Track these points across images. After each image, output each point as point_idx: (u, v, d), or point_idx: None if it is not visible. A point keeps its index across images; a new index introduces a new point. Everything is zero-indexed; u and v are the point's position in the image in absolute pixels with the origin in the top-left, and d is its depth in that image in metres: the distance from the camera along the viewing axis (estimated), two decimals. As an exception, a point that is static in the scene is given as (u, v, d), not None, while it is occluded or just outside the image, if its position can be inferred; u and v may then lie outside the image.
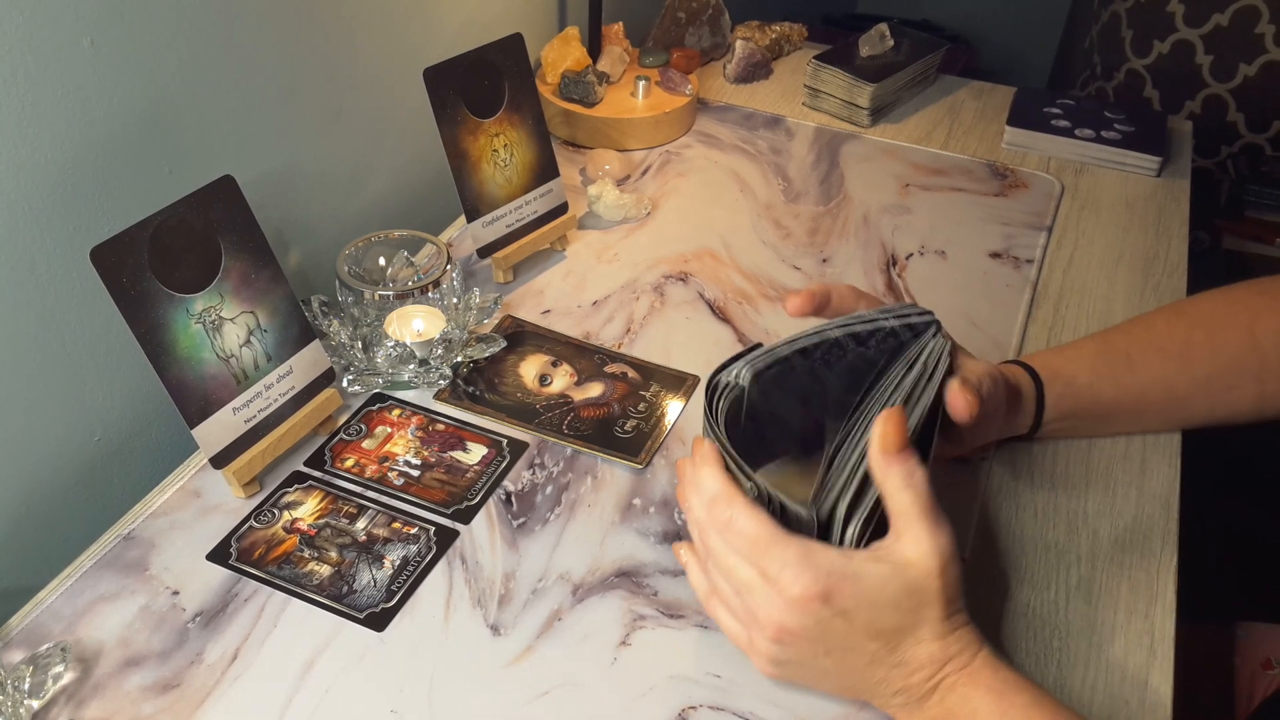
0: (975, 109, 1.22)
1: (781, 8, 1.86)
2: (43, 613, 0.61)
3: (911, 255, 0.96)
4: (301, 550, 0.65)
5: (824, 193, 1.05)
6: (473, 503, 0.69)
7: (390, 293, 0.75)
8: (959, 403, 0.59)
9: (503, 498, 0.70)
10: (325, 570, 0.64)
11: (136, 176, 0.68)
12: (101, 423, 0.71)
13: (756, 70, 1.26)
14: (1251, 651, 0.89)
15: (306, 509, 0.68)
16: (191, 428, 0.64)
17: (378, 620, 0.61)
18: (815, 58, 1.19)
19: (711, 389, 0.57)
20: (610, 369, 0.80)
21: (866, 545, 0.54)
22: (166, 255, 0.62)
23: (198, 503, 0.68)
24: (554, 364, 0.81)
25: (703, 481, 0.55)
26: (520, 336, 0.84)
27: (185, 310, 0.63)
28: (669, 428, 0.75)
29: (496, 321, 0.85)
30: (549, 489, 0.70)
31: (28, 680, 0.55)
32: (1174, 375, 0.71)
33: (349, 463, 0.71)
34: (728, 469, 0.55)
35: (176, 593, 0.62)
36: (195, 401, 0.64)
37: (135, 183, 0.68)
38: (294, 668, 0.58)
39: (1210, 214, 1.59)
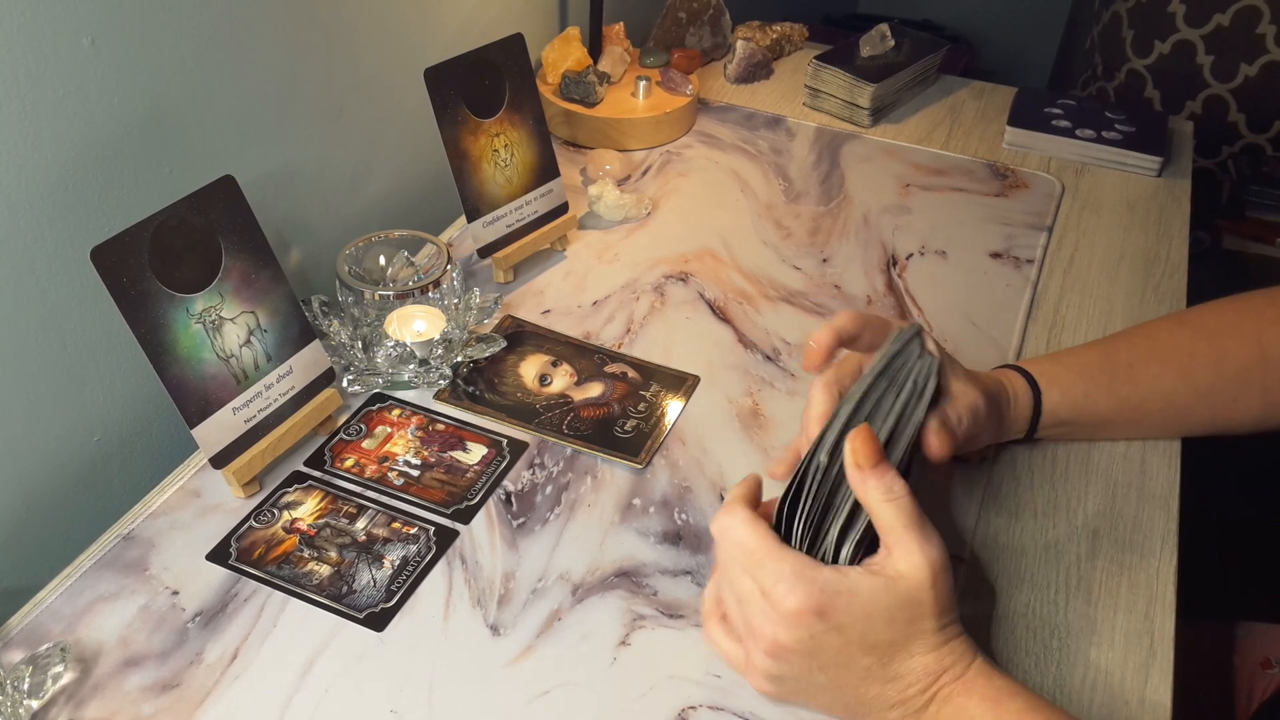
0: (976, 109, 1.22)
1: (782, 8, 1.86)
2: (42, 613, 0.61)
3: (912, 255, 0.96)
4: (301, 550, 0.65)
5: (824, 193, 1.05)
6: (472, 503, 0.69)
7: (390, 293, 0.75)
8: (933, 443, 0.60)
9: (502, 498, 0.70)
10: (325, 570, 0.64)
11: (137, 176, 0.68)
12: (101, 422, 0.72)
13: (757, 70, 1.26)
14: (1251, 651, 0.89)
15: (306, 509, 0.68)
16: (191, 428, 0.64)
17: (377, 620, 0.61)
18: (816, 58, 1.19)
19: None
20: (610, 369, 0.80)
21: (859, 562, 0.54)
22: (167, 255, 0.62)
23: (197, 503, 0.68)
24: (554, 364, 0.81)
25: (733, 491, 0.57)
26: (520, 336, 0.84)
27: (185, 310, 0.63)
28: (669, 428, 0.75)
29: (496, 321, 0.85)
30: (549, 489, 0.70)
31: (27, 680, 0.55)
32: (1175, 387, 0.70)
33: (349, 463, 0.71)
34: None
35: (176, 593, 0.62)
36: (195, 401, 0.64)
37: (136, 182, 0.68)
38: (294, 668, 0.58)
39: (1211, 214, 1.59)
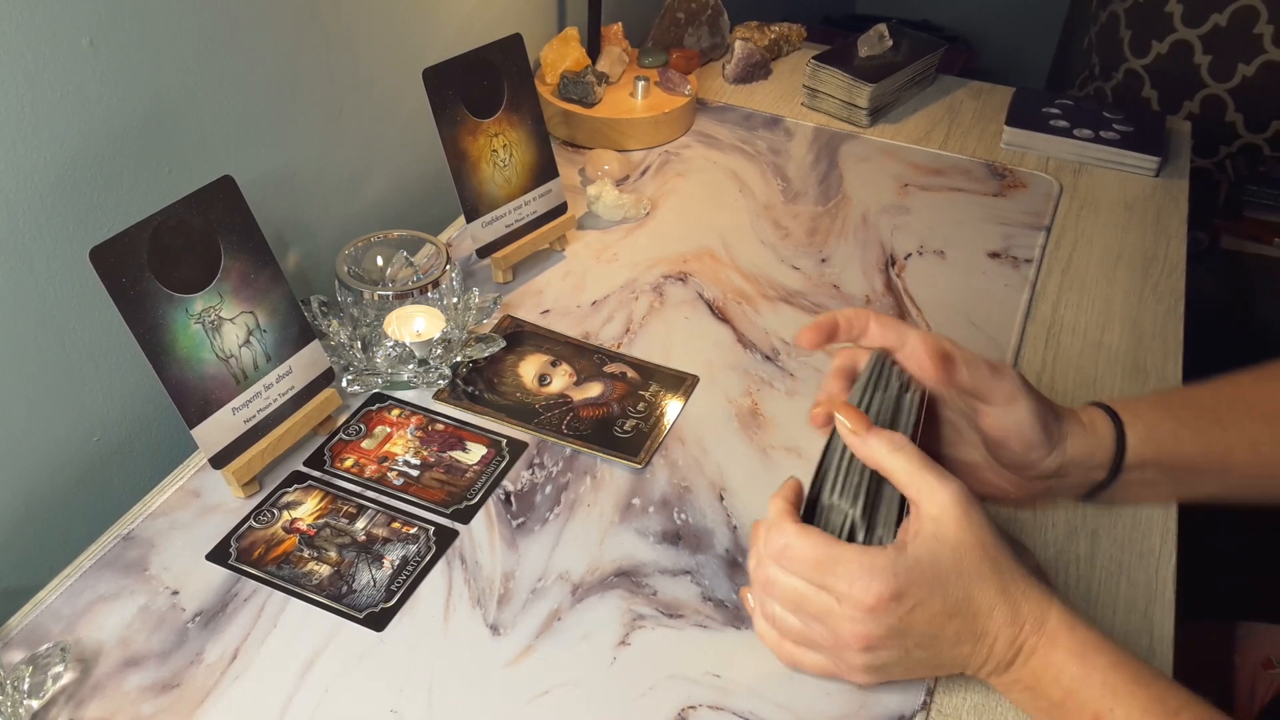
0: (974, 109, 1.22)
1: (780, 8, 1.86)
2: (42, 613, 0.61)
3: (910, 255, 0.96)
4: (301, 550, 0.65)
5: (823, 193, 1.05)
6: (472, 502, 0.69)
7: (390, 293, 0.75)
8: (927, 364, 0.58)
9: (502, 497, 0.70)
10: (325, 570, 0.64)
11: (136, 176, 0.68)
12: (101, 423, 0.71)
13: (755, 70, 1.26)
14: (1252, 651, 0.89)
15: (306, 509, 0.68)
16: (191, 428, 0.64)
17: (377, 620, 0.61)
18: (814, 58, 1.19)
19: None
20: (609, 369, 0.80)
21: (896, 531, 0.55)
22: (166, 255, 0.62)
23: (197, 503, 0.68)
24: (553, 364, 0.81)
25: (770, 511, 0.57)
26: (519, 336, 0.84)
27: (185, 310, 0.63)
28: (668, 427, 0.75)
29: (496, 321, 0.85)
30: (548, 489, 0.70)
31: (27, 680, 0.55)
32: (1263, 437, 0.65)
33: (348, 463, 0.71)
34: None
35: (176, 593, 0.62)
36: (195, 401, 0.64)
37: (135, 182, 0.68)
38: (294, 667, 0.58)
39: (1209, 214, 1.59)
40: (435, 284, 0.77)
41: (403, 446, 0.73)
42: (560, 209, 0.92)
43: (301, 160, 0.84)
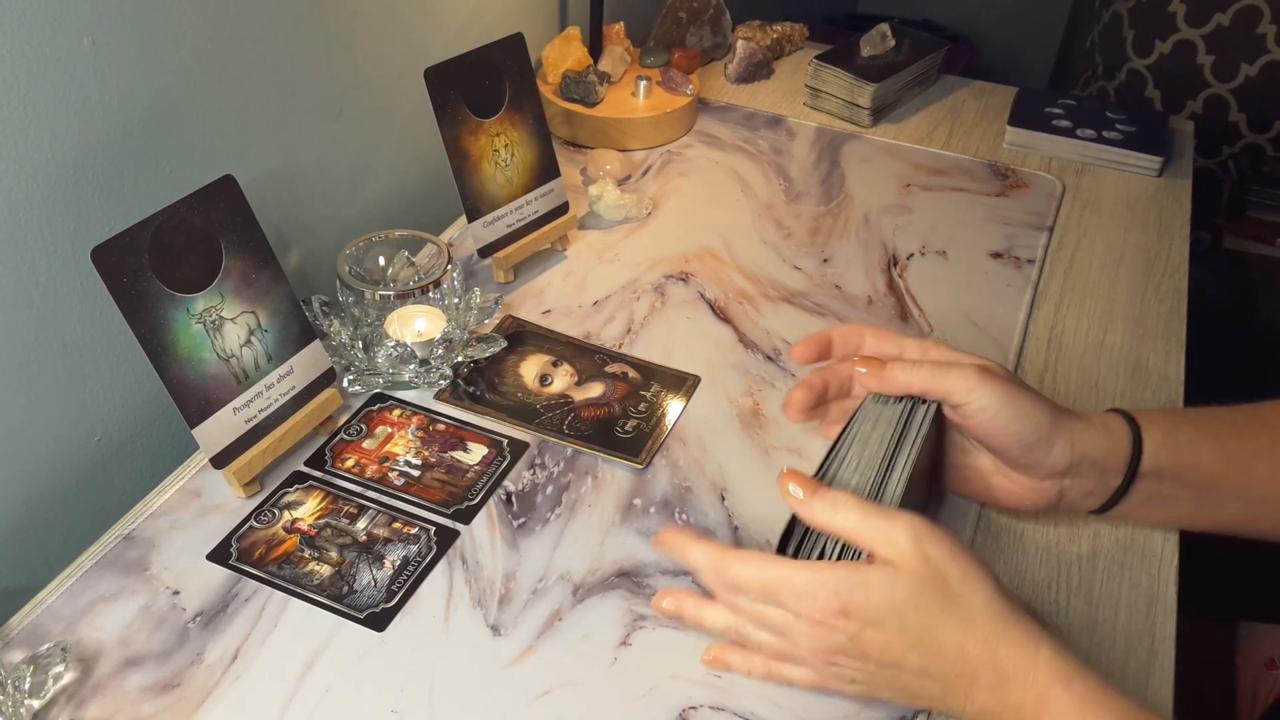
0: (976, 109, 1.22)
1: (782, 8, 1.86)
2: (43, 613, 0.61)
3: (912, 255, 0.96)
4: (302, 550, 0.65)
5: (825, 193, 1.05)
6: (473, 503, 0.69)
7: (391, 293, 0.75)
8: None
9: (503, 498, 0.69)
10: (325, 570, 0.64)
11: (137, 176, 0.68)
12: (102, 422, 0.71)
13: (757, 70, 1.26)
14: (1254, 651, 0.89)
15: (307, 509, 0.68)
16: (192, 427, 0.64)
17: (378, 620, 0.61)
18: (816, 58, 1.19)
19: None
20: (611, 369, 0.80)
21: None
22: (167, 255, 0.62)
23: (198, 503, 0.68)
24: (554, 364, 0.81)
25: (693, 563, 0.57)
26: (521, 336, 0.84)
27: (186, 310, 0.63)
28: (669, 428, 0.75)
29: (497, 321, 0.85)
30: (549, 489, 0.70)
31: (28, 680, 0.55)
32: None
33: (349, 463, 0.71)
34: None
35: (177, 593, 0.62)
36: (196, 401, 0.64)
37: (136, 182, 0.68)
38: (294, 668, 0.58)
39: (1211, 214, 1.59)
40: (436, 284, 0.77)
41: (404, 447, 0.73)
42: (562, 209, 0.92)
43: (303, 160, 0.84)
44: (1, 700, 0.54)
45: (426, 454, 0.72)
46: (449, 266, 0.78)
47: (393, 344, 0.76)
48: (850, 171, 1.08)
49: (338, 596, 0.62)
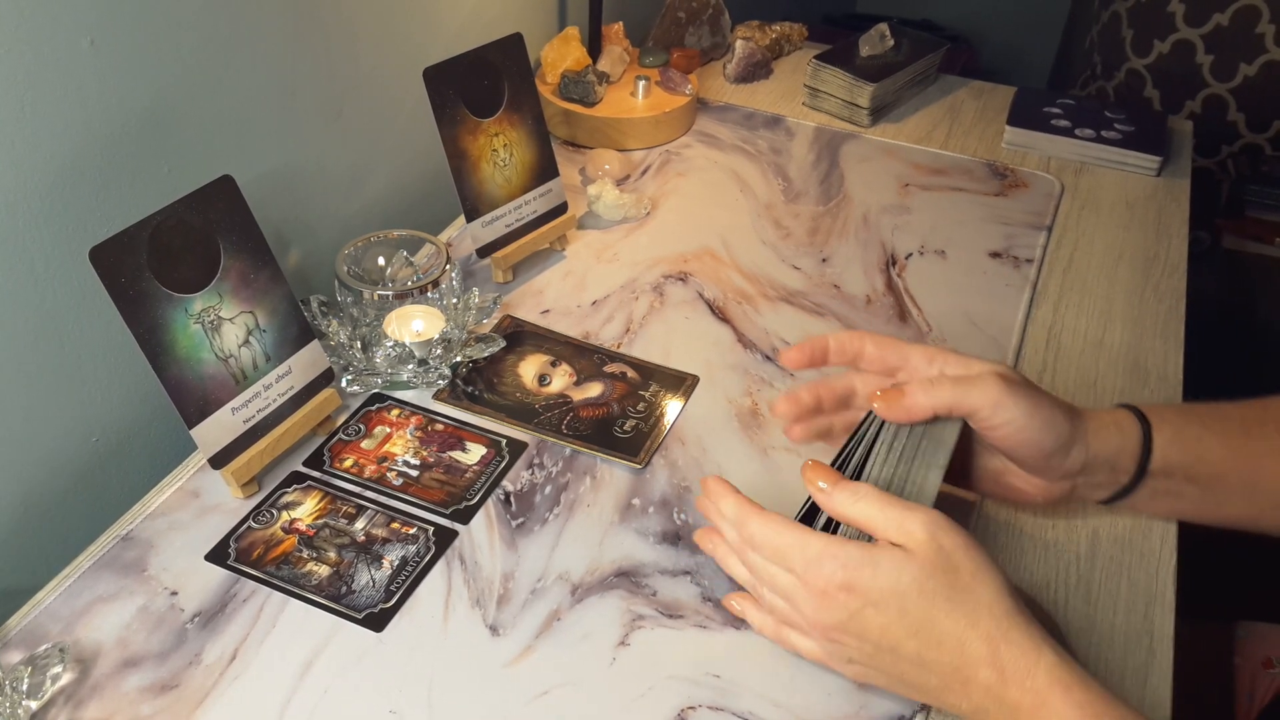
0: (975, 109, 1.22)
1: (781, 7, 1.86)
2: (41, 613, 0.61)
3: (911, 255, 0.96)
4: (300, 550, 0.65)
5: (824, 192, 1.05)
6: (471, 503, 0.69)
7: (389, 293, 0.75)
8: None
9: (502, 498, 0.69)
10: (324, 570, 0.64)
11: (136, 176, 0.68)
12: (100, 423, 0.71)
13: (756, 70, 1.26)
14: (1252, 651, 0.89)
15: (305, 509, 0.68)
16: (190, 428, 0.64)
17: (376, 620, 0.61)
18: (815, 57, 1.19)
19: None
20: (609, 369, 0.80)
21: None
22: (165, 255, 0.62)
23: (196, 503, 0.68)
24: (553, 364, 0.81)
25: (724, 510, 0.58)
26: (519, 336, 0.84)
27: (184, 310, 0.63)
28: (668, 427, 0.75)
29: (496, 321, 0.85)
30: (548, 489, 0.70)
31: (26, 681, 0.55)
32: None
33: (348, 463, 0.71)
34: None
35: (175, 593, 0.62)
36: (194, 401, 0.64)
37: (135, 182, 0.68)
38: (293, 668, 0.58)
39: (1210, 213, 1.59)
40: (435, 284, 0.77)
41: (402, 447, 0.73)
42: (560, 209, 0.92)
43: (301, 160, 0.84)
44: (0, 701, 0.54)
45: (425, 454, 0.72)
46: (448, 266, 0.78)
47: (391, 344, 0.76)
48: (849, 171, 1.08)
49: (336, 597, 0.62)
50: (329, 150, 0.87)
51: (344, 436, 0.73)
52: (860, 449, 0.59)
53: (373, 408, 0.76)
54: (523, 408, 0.76)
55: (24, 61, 0.59)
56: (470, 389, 0.78)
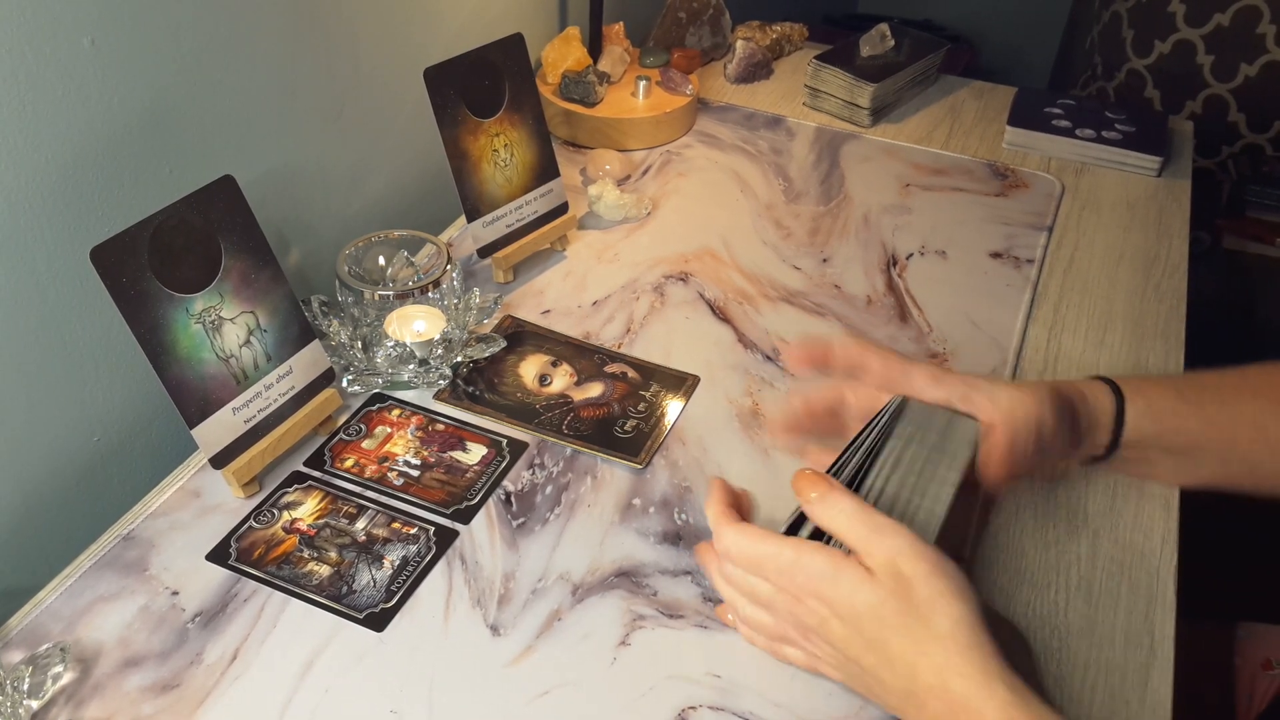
0: (976, 109, 1.22)
1: (782, 8, 1.86)
2: (42, 613, 0.61)
3: (912, 255, 0.96)
4: (301, 550, 0.65)
5: (824, 193, 1.05)
6: (472, 503, 0.69)
7: (390, 293, 0.75)
8: (988, 473, 0.61)
9: (502, 498, 0.69)
10: (325, 570, 0.64)
11: (137, 176, 0.68)
12: (101, 422, 0.71)
13: (757, 70, 1.26)
14: (1252, 651, 0.89)
15: (306, 509, 0.68)
16: (191, 428, 0.64)
17: (377, 620, 0.61)
18: (816, 58, 1.19)
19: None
20: (610, 369, 0.80)
21: None
22: (166, 255, 0.62)
23: (197, 503, 0.68)
24: (554, 364, 0.81)
25: (708, 519, 0.59)
26: (520, 336, 0.84)
27: (185, 310, 0.63)
28: (669, 428, 0.75)
29: (496, 321, 0.85)
30: (549, 489, 0.70)
31: (27, 680, 0.55)
32: (1267, 417, 0.65)
33: (349, 463, 0.71)
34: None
35: (176, 593, 0.62)
36: (195, 401, 0.64)
37: (135, 182, 0.68)
38: (293, 668, 0.58)
39: (1211, 214, 1.59)
40: (436, 284, 0.77)
41: (403, 447, 0.73)
42: (561, 209, 0.92)
43: (302, 160, 0.84)
44: (1, 700, 0.54)
45: (426, 454, 0.72)
46: (448, 266, 0.78)
47: (392, 344, 0.76)
48: (850, 171, 1.08)
49: (337, 597, 0.62)
50: (329, 150, 0.87)
51: (345, 436, 0.73)
52: (858, 456, 0.59)
53: (373, 408, 0.76)
54: (523, 408, 0.76)
55: (24, 61, 0.59)
56: (471, 389, 0.78)
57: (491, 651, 0.60)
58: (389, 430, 0.74)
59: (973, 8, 2.49)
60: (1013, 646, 0.56)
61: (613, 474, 0.72)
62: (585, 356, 0.82)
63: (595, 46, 1.15)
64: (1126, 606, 0.64)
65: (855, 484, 0.58)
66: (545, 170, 0.90)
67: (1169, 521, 0.70)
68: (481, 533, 0.67)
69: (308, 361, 0.71)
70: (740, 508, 0.60)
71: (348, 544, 0.65)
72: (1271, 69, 1.51)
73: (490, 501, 0.69)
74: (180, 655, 0.59)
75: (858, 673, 0.54)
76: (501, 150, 0.86)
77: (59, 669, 0.56)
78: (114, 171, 0.67)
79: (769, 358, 0.83)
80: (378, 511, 0.68)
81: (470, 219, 0.85)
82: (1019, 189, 1.07)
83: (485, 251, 0.87)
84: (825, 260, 0.95)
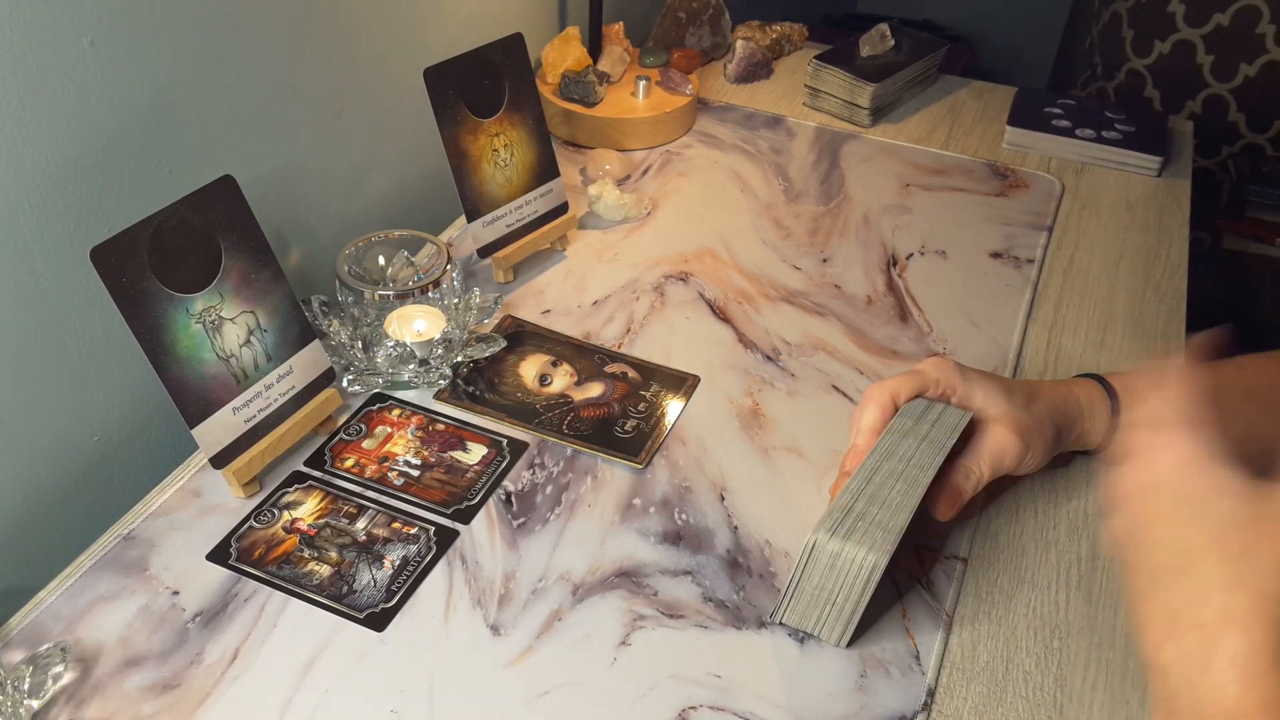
0: (976, 109, 1.22)
1: (782, 8, 1.86)
2: (42, 613, 0.61)
3: (912, 255, 0.96)
4: (301, 550, 0.65)
5: (824, 192, 1.05)
6: (473, 503, 0.69)
7: (390, 293, 0.75)
8: (939, 506, 0.64)
9: (503, 498, 0.69)
10: (325, 570, 0.64)
11: (137, 176, 0.68)
12: (101, 422, 0.71)
13: (757, 70, 1.26)
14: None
15: (306, 509, 0.68)
16: (191, 427, 0.64)
17: (377, 620, 0.61)
18: (816, 58, 1.19)
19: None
20: (610, 369, 0.80)
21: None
22: (166, 255, 0.62)
23: (197, 503, 0.68)
24: (554, 364, 0.81)
25: None
26: (520, 336, 0.84)
27: (185, 310, 0.63)
28: (669, 428, 0.75)
29: (496, 321, 0.85)
30: (549, 489, 0.70)
31: (27, 680, 0.55)
32: (1260, 418, 0.66)
33: (349, 463, 0.71)
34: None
35: (176, 593, 0.62)
36: (195, 401, 0.64)
37: (135, 182, 0.68)
38: (294, 668, 0.58)
39: (1211, 214, 1.59)
40: (436, 284, 0.77)
41: (403, 446, 0.73)
42: (561, 209, 0.92)
43: (302, 160, 0.84)
44: (1, 700, 0.54)
45: (426, 454, 0.72)
46: (448, 266, 0.78)
47: (392, 344, 0.76)
48: (850, 171, 1.08)
49: (337, 596, 0.62)
50: (329, 150, 0.87)
51: (345, 436, 0.73)
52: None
53: (374, 407, 0.76)
54: (524, 408, 0.76)
55: (24, 61, 0.59)
56: (471, 389, 0.78)
57: (492, 651, 0.60)
58: (389, 430, 0.74)
59: (973, 8, 2.49)
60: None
61: (613, 474, 0.72)
62: (585, 356, 0.82)
63: (595, 46, 1.15)
64: (1127, 606, 0.64)
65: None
66: (545, 170, 0.90)
67: (1169, 521, 0.70)
68: (482, 533, 0.67)
69: (308, 361, 0.71)
70: None
71: (348, 544, 0.65)
72: (1271, 69, 1.51)
73: (490, 501, 0.69)
74: (180, 655, 0.59)
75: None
76: (501, 150, 0.86)
77: (59, 669, 0.56)
78: (114, 171, 0.67)
79: (769, 358, 0.83)
80: (378, 511, 0.68)
81: (470, 219, 0.85)
82: (1019, 189, 1.07)
83: (485, 251, 0.87)
84: (825, 260, 0.95)
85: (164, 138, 0.70)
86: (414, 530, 0.67)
